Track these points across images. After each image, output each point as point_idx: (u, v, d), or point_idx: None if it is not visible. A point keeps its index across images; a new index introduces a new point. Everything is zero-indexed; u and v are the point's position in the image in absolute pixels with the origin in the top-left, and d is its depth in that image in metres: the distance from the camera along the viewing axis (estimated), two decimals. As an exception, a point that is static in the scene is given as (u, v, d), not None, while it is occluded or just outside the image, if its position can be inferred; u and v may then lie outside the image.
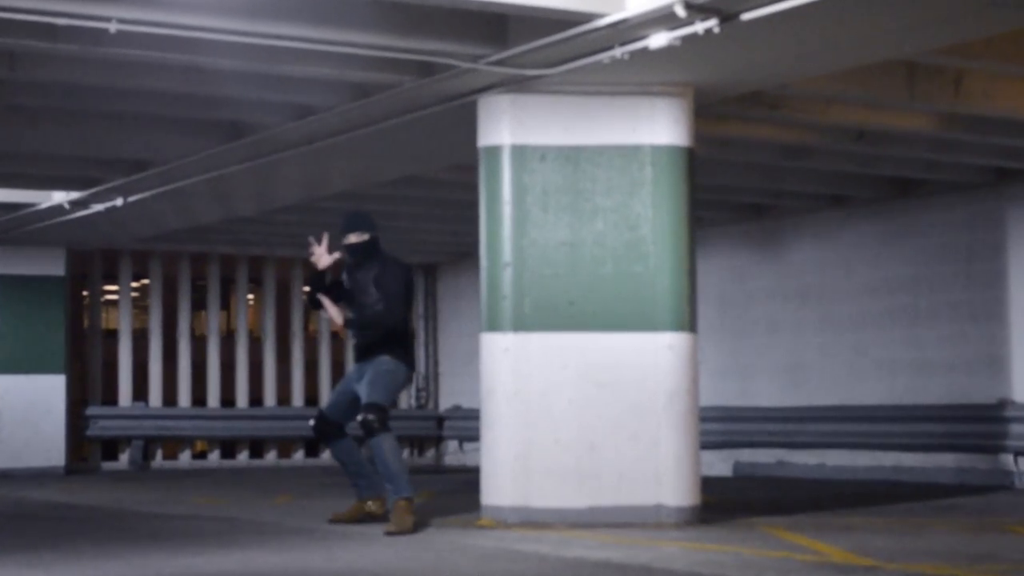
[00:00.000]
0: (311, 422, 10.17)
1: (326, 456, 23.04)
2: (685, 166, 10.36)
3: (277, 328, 22.85)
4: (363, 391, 9.74)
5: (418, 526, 9.68)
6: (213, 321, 22.55)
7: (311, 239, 10.11)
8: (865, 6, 8.65)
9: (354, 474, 10.24)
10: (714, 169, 14.95)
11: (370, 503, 10.18)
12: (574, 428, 10.12)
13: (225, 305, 25.47)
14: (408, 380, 10.06)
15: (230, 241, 21.11)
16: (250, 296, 24.53)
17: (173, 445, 22.59)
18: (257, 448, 22.83)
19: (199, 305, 23.84)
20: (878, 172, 15.72)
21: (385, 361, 9.75)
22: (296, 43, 9.22)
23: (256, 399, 22.66)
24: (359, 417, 9.61)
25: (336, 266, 10.16)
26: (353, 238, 9.91)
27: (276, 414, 22.42)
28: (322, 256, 9.98)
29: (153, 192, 14.95)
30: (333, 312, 9.94)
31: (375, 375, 9.73)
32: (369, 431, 9.56)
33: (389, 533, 9.27)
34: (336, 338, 23.99)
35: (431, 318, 23.91)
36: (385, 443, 9.58)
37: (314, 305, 10.15)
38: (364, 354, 9.88)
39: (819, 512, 11.38)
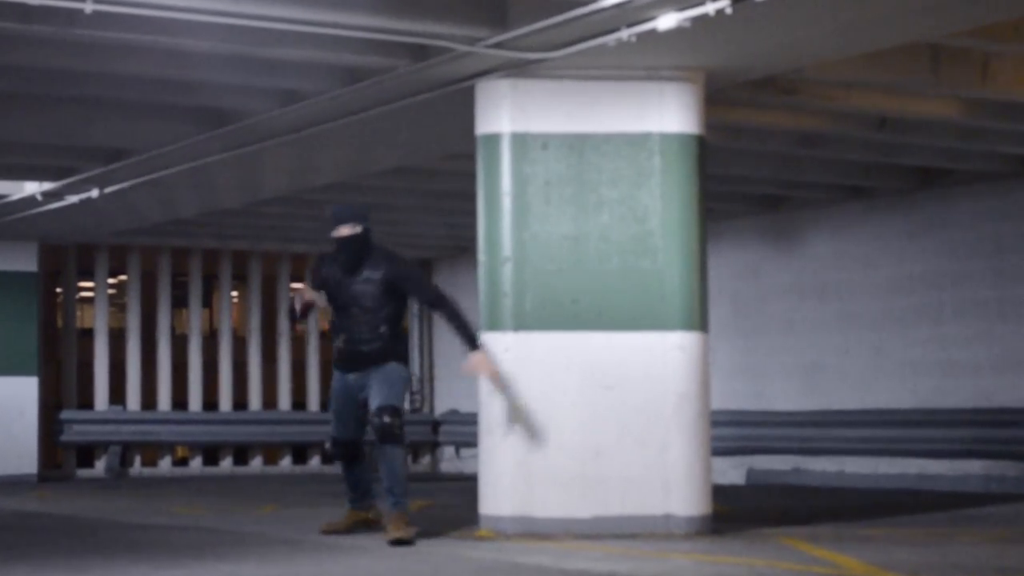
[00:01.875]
0: (329, 446, 9.85)
1: (314, 463, 23.06)
2: (696, 155, 10.37)
3: (263, 327, 22.86)
4: (375, 393, 9.39)
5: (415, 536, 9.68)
6: (195, 320, 22.56)
7: (293, 296, 9.54)
8: (887, -15, 8.66)
9: (361, 492, 10.06)
10: (726, 158, 14.95)
11: (368, 512, 10.16)
12: (578, 433, 10.12)
13: (208, 303, 25.50)
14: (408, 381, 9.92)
15: (213, 235, 21.10)
16: (234, 293, 24.53)
17: (152, 451, 22.59)
18: (241, 454, 22.83)
19: (180, 303, 23.85)
20: (901, 161, 15.72)
21: (394, 368, 9.49)
22: (283, 24, 9.22)
23: (240, 402, 22.67)
24: (375, 420, 9.25)
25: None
26: (345, 231, 9.40)
27: (262, 418, 22.43)
28: (306, 293, 9.51)
29: (131, 183, 14.94)
30: (320, 302, 9.44)
31: (387, 379, 9.42)
32: (387, 436, 9.26)
33: (397, 541, 9.28)
34: (325, 338, 23.96)
35: (426, 317, 23.92)
36: (400, 452, 9.37)
37: (295, 316, 9.53)
38: (364, 362, 9.53)
39: (838, 522, 11.39)
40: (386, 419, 9.20)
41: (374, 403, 9.32)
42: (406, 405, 24.25)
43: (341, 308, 9.41)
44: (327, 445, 9.80)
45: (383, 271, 9.33)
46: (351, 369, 9.55)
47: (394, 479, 9.35)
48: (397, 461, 9.32)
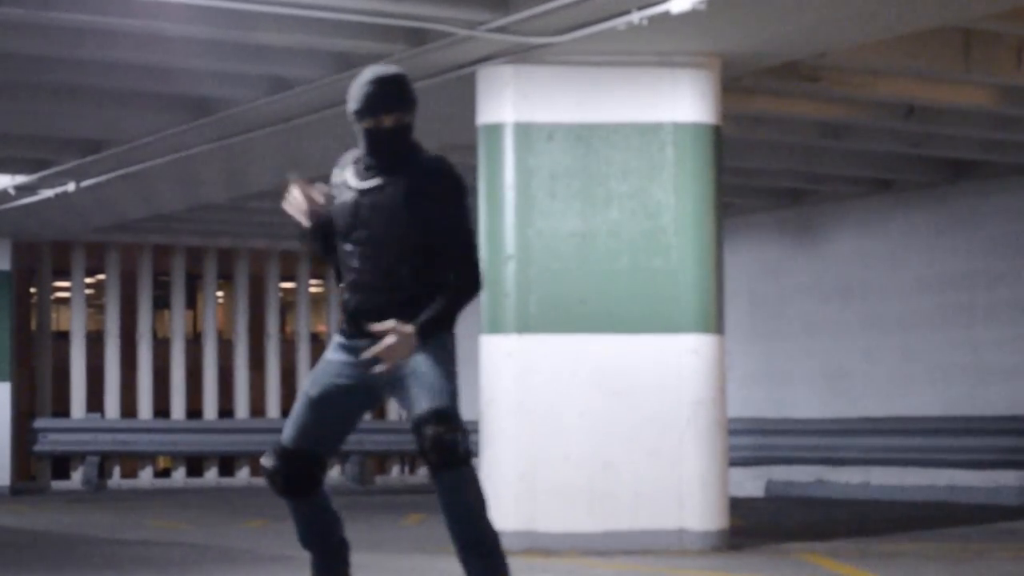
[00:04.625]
0: (268, 463, 5.76)
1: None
2: (711, 146, 10.36)
3: (250, 330, 22.84)
4: (417, 387, 5.70)
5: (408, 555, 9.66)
6: (177, 322, 22.55)
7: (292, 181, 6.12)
8: (915, -35, 8.66)
9: (326, 551, 5.96)
10: (744, 150, 14.94)
11: None
12: (586, 443, 10.12)
13: (191, 303, 25.50)
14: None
15: (197, 231, 21.11)
16: (219, 293, 24.51)
17: (132, 462, 22.59)
18: (227, 465, 22.83)
19: (162, 303, 23.85)
20: (930, 153, 15.70)
21: (439, 340, 5.81)
22: (271, 7, 9.21)
23: (226, 410, 22.67)
24: (425, 431, 5.57)
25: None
26: (388, 121, 5.86)
27: (249, 427, 22.42)
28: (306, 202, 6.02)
29: (110, 176, 14.94)
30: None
31: (433, 360, 5.74)
32: (445, 455, 5.57)
33: None
34: (317, 340, 23.95)
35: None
36: (473, 478, 5.62)
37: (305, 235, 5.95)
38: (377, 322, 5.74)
39: (863, 537, 11.38)
40: (440, 429, 5.60)
41: (419, 405, 5.67)
42: (401, 412, 24.43)
43: (351, 238, 5.94)
44: (263, 460, 5.84)
45: (418, 181, 5.86)
46: (356, 334, 5.84)
47: (472, 523, 5.63)
48: (471, 494, 5.61)
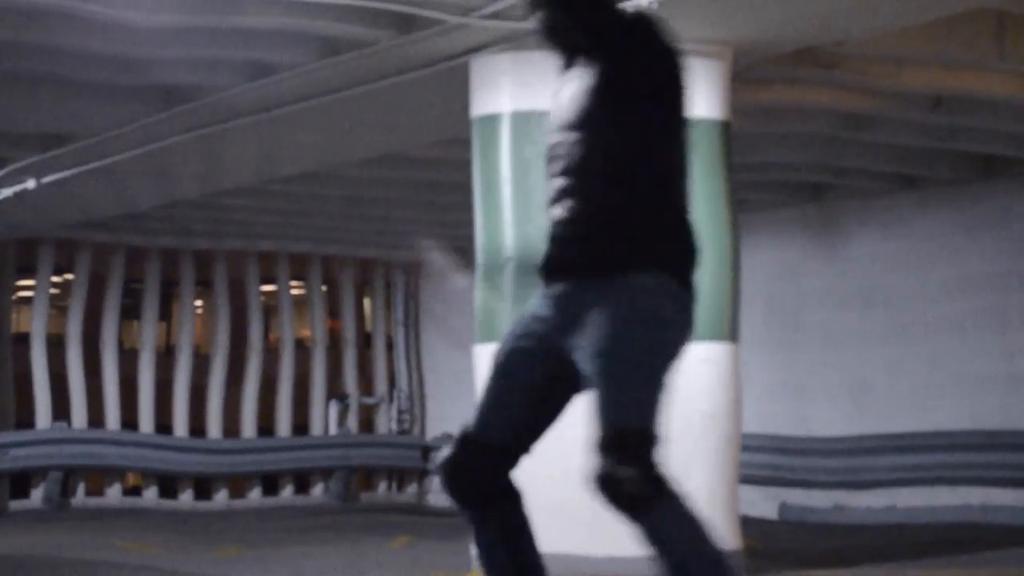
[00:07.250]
0: (444, 455, 4.71)
1: (287, 494, 22.97)
2: (721, 142, 10.35)
3: (231, 339, 22.73)
4: (598, 387, 4.63)
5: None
6: (148, 331, 22.44)
7: None
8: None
9: None
10: (758, 144, 14.94)
11: None
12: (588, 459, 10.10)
13: (165, 315, 25.41)
14: (686, 340, 4.90)
15: (172, 230, 21.09)
16: (198, 303, 24.44)
17: (98, 478, 22.51)
18: (203, 487, 22.75)
19: (133, 314, 23.74)
20: (959, 147, 15.71)
21: (646, 289, 4.79)
22: (248, -10, 9.22)
23: (198, 427, 22.58)
24: (599, 468, 4.63)
25: None
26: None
27: (225, 448, 22.36)
28: None
29: (74, 171, 14.93)
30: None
31: (627, 339, 4.64)
32: (634, 502, 4.57)
33: None
34: (301, 347, 23.92)
35: (413, 327, 23.90)
36: (677, 523, 4.63)
37: None
38: (566, 270, 5.01)
39: (891, 562, 11.37)
40: (609, 464, 4.62)
41: (594, 417, 4.65)
42: (392, 426, 24.38)
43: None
44: (434, 458, 4.68)
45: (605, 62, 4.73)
46: (550, 279, 5.02)
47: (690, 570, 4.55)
48: (679, 541, 4.63)
